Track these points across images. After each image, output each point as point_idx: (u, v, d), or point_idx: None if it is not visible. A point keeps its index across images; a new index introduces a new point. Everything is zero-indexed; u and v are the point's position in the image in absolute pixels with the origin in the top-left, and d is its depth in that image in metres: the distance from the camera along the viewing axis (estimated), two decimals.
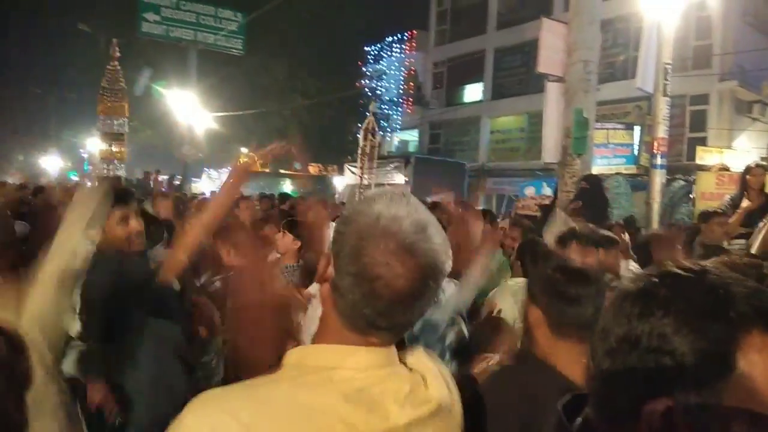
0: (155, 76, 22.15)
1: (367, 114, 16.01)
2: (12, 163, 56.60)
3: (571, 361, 1.46)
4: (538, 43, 6.81)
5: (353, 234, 0.86)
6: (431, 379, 0.96)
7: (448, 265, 0.90)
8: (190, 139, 19.57)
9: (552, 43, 6.78)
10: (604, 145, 13.70)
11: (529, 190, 11.46)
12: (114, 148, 17.00)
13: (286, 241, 3.49)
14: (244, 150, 31.28)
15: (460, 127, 24.43)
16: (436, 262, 0.87)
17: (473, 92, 24.09)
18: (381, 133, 22.20)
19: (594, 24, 6.68)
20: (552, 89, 6.87)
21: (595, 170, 7.70)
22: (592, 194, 6.00)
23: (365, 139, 12.16)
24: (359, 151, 12.46)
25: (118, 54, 17.16)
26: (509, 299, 2.87)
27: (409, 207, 0.88)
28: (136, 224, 2.31)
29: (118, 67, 17.16)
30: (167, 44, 21.14)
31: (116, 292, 2.00)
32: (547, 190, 10.53)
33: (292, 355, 0.93)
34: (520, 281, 3.08)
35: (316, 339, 0.94)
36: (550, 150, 6.89)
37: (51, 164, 39.87)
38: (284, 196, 10.63)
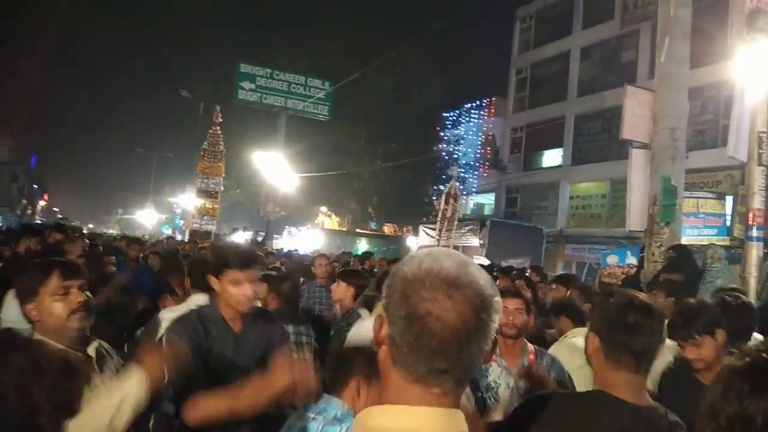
0: (246, 138, 23.67)
1: (446, 176, 16.26)
2: (112, 217, 61.25)
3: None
4: (622, 110, 6.78)
5: (399, 282, 0.89)
6: None
7: (498, 301, 0.90)
8: (275, 198, 20.53)
9: (637, 110, 6.74)
10: (693, 214, 13.04)
11: (612, 259, 11.01)
12: (208, 205, 18.27)
13: (340, 288, 4.00)
14: (323, 209, 32.07)
15: (538, 192, 24.19)
16: (483, 293, 0.87)
17: (552, 157, 23.95)
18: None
19: (682, 91, 6.60)
20: (637, 156, 6.77)
21: (685, 240, 7.38)
22: (681, 264, 5.75)
23: (446, 203, 12.28)
24: (439, 215, 12.57)
25: (220, 119, 18.57)
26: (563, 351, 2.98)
27: (451, 254, 0.93)
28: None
29: (219, 132, 18.56)
30: (259, 109, 22.62)
31: None
32: (632, 259, 10.12)
33: (360, 419, 0.93)
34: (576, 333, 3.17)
35: (380, 399, 0.94)
36: (636, 218, 6.72)
37: (147, 218, 42.75)
38: (366, 255, 10.80)
